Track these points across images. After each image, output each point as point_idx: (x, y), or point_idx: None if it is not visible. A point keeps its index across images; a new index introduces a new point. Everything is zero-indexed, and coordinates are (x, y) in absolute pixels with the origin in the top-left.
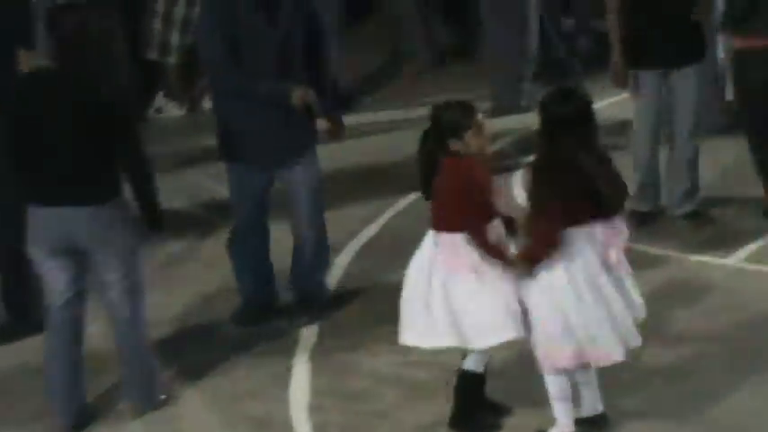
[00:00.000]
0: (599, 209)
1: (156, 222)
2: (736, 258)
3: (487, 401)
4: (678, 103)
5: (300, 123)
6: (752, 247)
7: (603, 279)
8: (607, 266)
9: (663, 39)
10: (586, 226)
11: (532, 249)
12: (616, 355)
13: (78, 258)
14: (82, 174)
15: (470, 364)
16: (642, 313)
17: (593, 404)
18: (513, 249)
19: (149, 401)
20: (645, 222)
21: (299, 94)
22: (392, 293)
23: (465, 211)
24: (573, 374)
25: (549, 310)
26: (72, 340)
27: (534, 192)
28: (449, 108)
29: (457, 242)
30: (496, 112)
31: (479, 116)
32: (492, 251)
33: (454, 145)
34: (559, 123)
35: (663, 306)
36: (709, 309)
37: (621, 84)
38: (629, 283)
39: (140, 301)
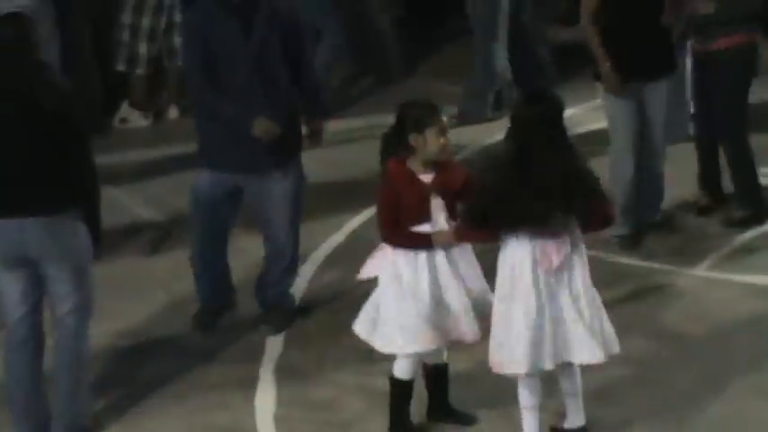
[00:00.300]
0: (562, 211)
1: (93, 239)
2: (702, 267)
3: (451, 410)
4: (652, 116)
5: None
6: (717, 255)
7: (551, 287)
8: (547, 280)
9: (640, 51)
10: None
11: (466, 234)
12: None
13: (32, 270)
14: (34, 184)
15: (395, 370)
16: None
17: (575, 417)
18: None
19: (74, 421)
20: (636, 243)
21: (262, 128)
22: (358, 303)
23: (380, 214)
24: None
25: (498, 316)
26: (32, 353)
27: (489, 190)
28: (414, 104)
29: (383, 246)
30: (461, 118)
31: (444, 119)
32: (412, 241)
33: (414, 140)
34: (527, 125)
35: (630, 315)
36: (676, 318)
37: (618, 88)
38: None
39: (87, 317)
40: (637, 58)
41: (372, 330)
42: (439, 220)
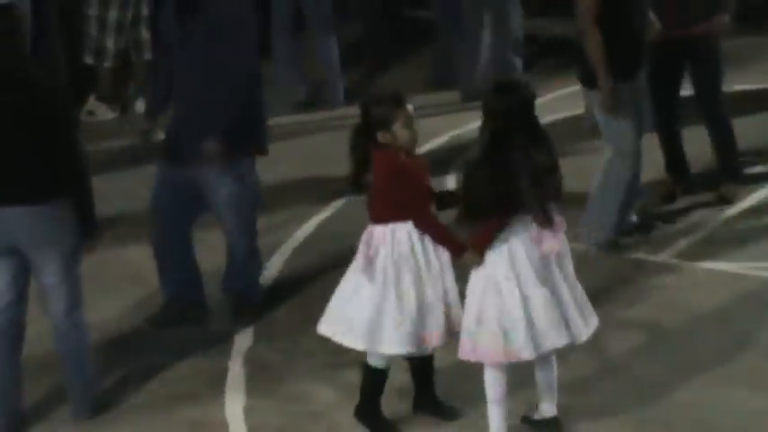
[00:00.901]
0: (535, 203)
1: (90, 230)
2: (668, 255)
3: (436, 403)
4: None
5: (202, 132)
6: (683, 243)
7: (533, 274)
8: (544, 262)
9: (634, 49)
10: (523, 220)
11: (480, 239)
12: (525, 353)
13: (18, 259)
14: (21, 173)
15: (369, 358)
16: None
17: (548, 408)
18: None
19: (87, 406)
20: (648, 229)
21: (206, 150)
22: (326, 294)
23: (403, 200)
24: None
25: (469, 302)
26: (11, 344)
27: (471, 184)
28: (378, 101)
29: (387, 234)
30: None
31: (409, 108)
32: (440, 233)
33: (383, 137)
34: (500, 114)
35: (598, 303)
36: (644, 306)
37: (616, 108)
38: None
39: (80, 305)
40: (633, 55)
41: (348, 331)
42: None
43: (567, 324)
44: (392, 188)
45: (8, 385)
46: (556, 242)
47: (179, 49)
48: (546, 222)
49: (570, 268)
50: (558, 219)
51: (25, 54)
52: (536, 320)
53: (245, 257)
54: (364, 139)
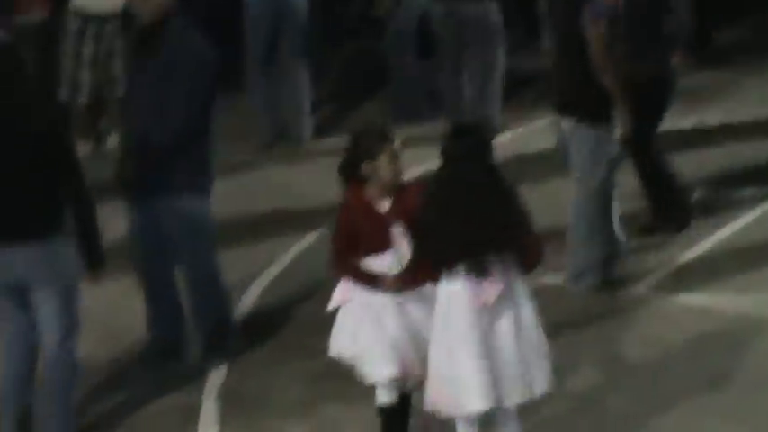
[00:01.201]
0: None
1: (96, 262)
2: (641, 287)
3: None
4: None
5: (162, 163)
6: (656, 276)
7: (482, 325)
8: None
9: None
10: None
11: (408, 277)
12: (473, 405)
13: (19, 293)
14: (24, 210)
15: (377, 398)
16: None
17: None
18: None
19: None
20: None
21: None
22: (301, 328)
23: (333, 241)
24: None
25: (439, 357)
26: (29, 370)
27: (422, 222)
28: (364, 133)
29: None
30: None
31: (396, 143)
32: (357, 278)
33: (366, 168)
34: (453, 156)
35: (570, 336)
36: (615, 338)
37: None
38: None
39: (75, 339)
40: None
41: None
42: (400, 247)
43: (496, 384)
44: (335, 228)
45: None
46: (493, 292)
47: (132, 83)
48: (480, 272)
49: (525, 316)
50: (499, 268)
51: (30, 90)
52: (465, 379)
53: (207, 293)
54: (350, 174)
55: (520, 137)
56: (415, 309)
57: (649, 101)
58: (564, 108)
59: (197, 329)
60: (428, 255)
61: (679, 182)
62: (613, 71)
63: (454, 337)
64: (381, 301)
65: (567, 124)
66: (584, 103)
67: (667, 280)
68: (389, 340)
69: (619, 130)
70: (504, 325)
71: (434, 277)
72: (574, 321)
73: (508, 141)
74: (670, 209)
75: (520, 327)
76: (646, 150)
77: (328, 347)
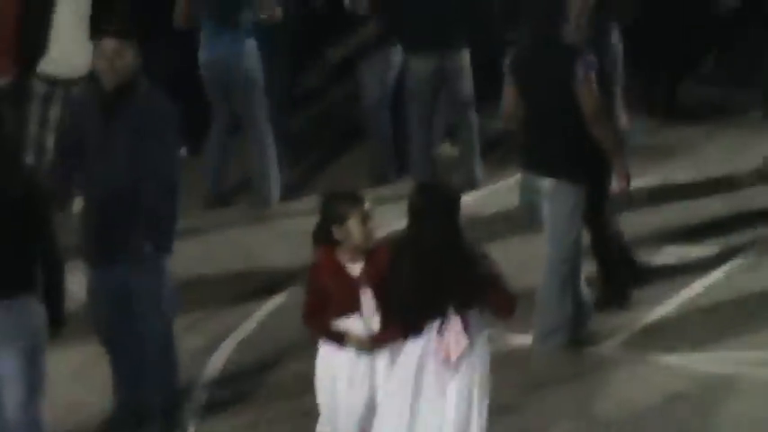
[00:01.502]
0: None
1: (56, 322)
2: (608, 346)
3: None
4: None
5: (122, 230)
6: (623, 335)
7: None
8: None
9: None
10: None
11: (379, 336)
12: None
13: None
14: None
15: None
16: None
17: None
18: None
19: None
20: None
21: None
22: (269, 392)
23: (304, 302)
24: None
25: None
26: None
27: (388, 282)
28: (334, 197)
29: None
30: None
31: (366, 206)
32: (329, 336)
33: (337, 232)
34: (419, 215)
35: (536, 395)
36: (585, 397)
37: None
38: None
39: (38, 398)
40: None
41: None
42: (369, 311)
43: None
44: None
45: None
46: (457, 348)
47: (98, 146)
48: (442, 329)
49: (477, 378)
50: (462, 325)
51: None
52: None
53: (158, 362)
54: (322, 238)
55: (482, 197)
56: (383, 365)
57: (604, 162)
58: (543, 167)
59: (156, 398)
60: (395, 315)
61: (625, 252)
62: (612, 125)
63: (392, 395)
64: (353, 361)
65: (547, 183)
66: (570, 160)
67: (635, 338)
68: (357, 409)
69: (616, 186)
70: (452, 397)
71: (403, 336)
72: (543, 382)
73: (471, 201)
74: (613, 279)
75: (471, 387)
76: (600, 213)
77: (296, 409)
